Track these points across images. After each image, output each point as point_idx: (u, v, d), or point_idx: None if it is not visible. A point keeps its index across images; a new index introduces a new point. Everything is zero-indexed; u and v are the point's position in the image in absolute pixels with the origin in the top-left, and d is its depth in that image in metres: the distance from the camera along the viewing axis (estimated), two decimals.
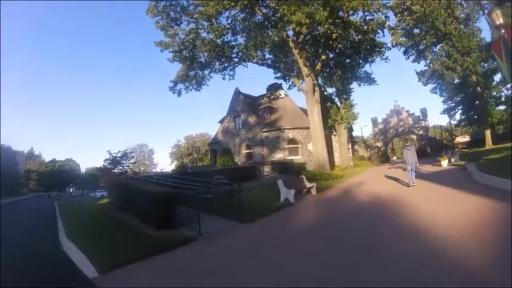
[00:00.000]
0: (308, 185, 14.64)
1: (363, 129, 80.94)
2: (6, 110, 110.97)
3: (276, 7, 20.50)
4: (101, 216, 14.40)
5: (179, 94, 26.29)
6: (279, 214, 10.68)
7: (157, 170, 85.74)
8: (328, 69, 30.68)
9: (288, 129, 30.34)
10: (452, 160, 22.97)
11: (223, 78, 26.98)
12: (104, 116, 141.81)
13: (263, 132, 31.36)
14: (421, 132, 46.83)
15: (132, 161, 44.89)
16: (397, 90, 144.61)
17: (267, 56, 27.23)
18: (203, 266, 5.89)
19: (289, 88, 29.65)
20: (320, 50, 25.22)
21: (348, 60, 29.28)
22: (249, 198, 13.45)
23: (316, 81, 24.74)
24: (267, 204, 11.90)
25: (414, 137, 49.19)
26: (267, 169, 24.16)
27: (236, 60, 26.14)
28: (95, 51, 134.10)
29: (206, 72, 26.39)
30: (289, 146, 30.46)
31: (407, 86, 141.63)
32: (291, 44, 23.19)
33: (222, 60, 25.96)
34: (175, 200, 9.20)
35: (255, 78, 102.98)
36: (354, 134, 47.88)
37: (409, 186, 12.73)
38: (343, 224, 8.10)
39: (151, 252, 6.84)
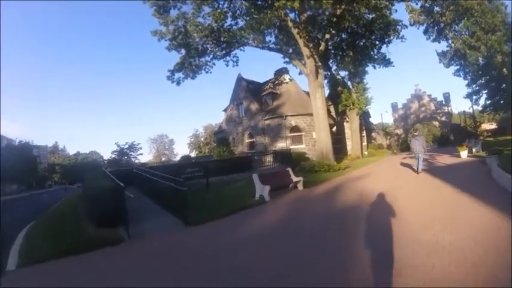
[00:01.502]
0: (294, 179, 13.09)
1: (383, 115, 77.26)
2: (31, 105, 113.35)
3: None
4: (65, 210, 13.87)
5: (178, 83, 24.97)
6: (240, 215, 9.30)
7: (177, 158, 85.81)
8: (340, 52, 28.78)
9: (290, 116, 28.15)
10: (474, 150, 20.67)
11: (227, 65, 25.58)
12: (127, 108, 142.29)
13: (265, 119, 29.43)
14: (443, 118, 43.57)
15: (140, 152, 45.06)
16: (419, 73, 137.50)
17: (268, 38, 25.47)
18: (95, 274, 5.53)
19: (300, 73, 27.61)
20: (324, 30, 23.27)
21: (361, 41, 27.38)
22: (222, 193, 12.69)
23: (320, 63, 22.69)
24: (236, 202, 10.78)
25: (436, 123, 45.93)
26: (267, 159, 22.57)
27: (236, 44, 24.37)
28: (110, 44, 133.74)
29: (206, 59, 25.00)
30: (292, 134, 28.39)
31: (430, 69, 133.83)
32: (290, 24, 21.42)
33: (221, 45, 24.41)
34: (118, 196, 8.16)
35: (267, 65, 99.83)
36: (374, 120, 45.27)
37: (417, 173, 13.61)
38: (301, 233, 6.64)
39: (71, 251, 6.64)
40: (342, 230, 6.36)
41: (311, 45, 22.03)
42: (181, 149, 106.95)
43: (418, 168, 13.72)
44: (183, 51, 23.94)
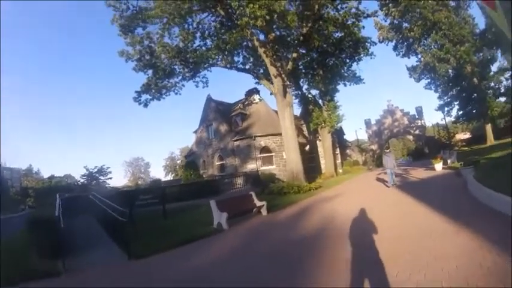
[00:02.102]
0: (258, 203, 12.35)
1: (357, 131, 77.99)
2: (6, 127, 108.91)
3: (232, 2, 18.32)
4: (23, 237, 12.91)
5: (146, 105, 23.95)
6: (193, 246, 8.58)
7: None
8: (310, 70, 28.85)
9: (259, 136, 27.35)
10: (449, 162, 20.29)
11: (196, 86, 24.92)
12: (103, 129, 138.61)
13: (234, 141, 28.61)
14: (417, 131, 44.08)
15: (109, 176, 43.67)
16: (391, 88, 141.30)
17: (237, 59, 25.13)
18: None
19: (271, 93, 27.08)
20: (292, 49, 23.16)
21: (331, 60, 27.39)
22: (179, 221, 12.17)
23: (288, 82, 22.38)
24: (191, 231, 10.12)
25: (410, 137, 46.34)
26: (236, 181, 21.68)
27: (204, 65, 23.66)
28: (84, 63, 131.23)
29: (174, 80, 24.22)
30: (262, 155, 27.58)
31: (401, 84, 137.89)
32: (256, 43, 21.18)
33: (189, 66, 23.67)
34: (49, 227, 8.26)
35: (240, 85, 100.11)
36: (349, 137, 45.05)
37: (388, 187, 14.72)
38: (256, 264, 6.02)
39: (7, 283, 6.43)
40: (300, 259, 5.78)
41: (278, 64, 21.70)
42: (158, 172, 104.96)
43: (390, 182, 14.99)
44: (149, 72, 23.21)
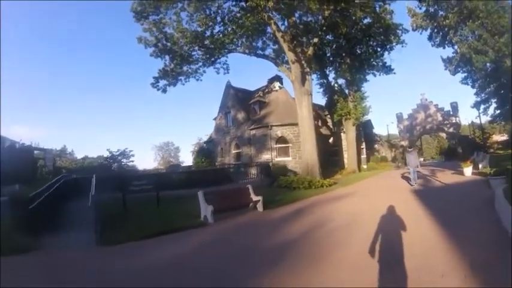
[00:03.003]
0: (254, 198, 11.44)
1: (389, 126, 74.49)
2: (40, 108, 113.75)
3: None
4: None
5: (164, 91, 23.78)
6: (167, 238, 8.19)
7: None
8: (338, 58, 27.69)
9: (276, 126, 26.11)
10: (480, 166, 17.79)
11: (217, 72, 24.48)
12: (137, 113, 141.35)
13: (250, 129, 27.67)
14: (451, 129, 40.74)
15: (132, 159, 44.60)
16: (426, 82, 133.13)
17: (256, 44, 24.24)
18: None
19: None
20: (313, 34, 22.04)
21: (360, 47, 26.26)
22: (170, 210, 11.69)
23: (308, 69, 21.33)
24: (174, 222, 9.69)
25: (443, 135, 43.24)
26: (250, 172, 21.15)
27: (223, 51, 23.07)
28: (114, 48, 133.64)
29: (194, 66, 23.85)
30: (278, 145, 26.39)
31: (437, 78, 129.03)
32: (273, 27, 20.29)
33: (208, 52, 23.20)
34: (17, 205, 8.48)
35: (263, 73, 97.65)
36: (381, 131, 42.98)
37: (412, 185, 14.50)
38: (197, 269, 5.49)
39: None
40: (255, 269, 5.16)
41: (299, 50, 20.72)
42: (187, 157, 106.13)
43: (413, 181, 14.81)
44: (167, 58, 22.97)
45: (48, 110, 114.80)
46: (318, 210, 10.49)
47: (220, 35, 21.85)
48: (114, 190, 12.78)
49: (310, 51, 20.95)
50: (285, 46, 20.09)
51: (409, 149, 17.79)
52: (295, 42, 20.71)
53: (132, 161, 43.95)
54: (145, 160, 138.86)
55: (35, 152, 44.43)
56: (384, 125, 79.39)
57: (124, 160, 43.01)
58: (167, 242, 7.77)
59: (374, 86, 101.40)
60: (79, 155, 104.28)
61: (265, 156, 25.76)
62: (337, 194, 14.60)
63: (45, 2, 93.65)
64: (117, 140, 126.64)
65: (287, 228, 8.29)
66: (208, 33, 22.10)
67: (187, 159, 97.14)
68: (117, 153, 42.25)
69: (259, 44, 24.36)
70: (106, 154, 45.83)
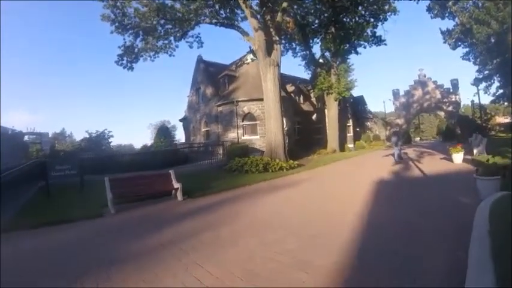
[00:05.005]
0: (175, 185, 9.94)
1: (386, 103, 71.75)
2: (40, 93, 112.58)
3: None
4: None
5: (130, 68, 21.66)
6: (50, 229, 7.26)
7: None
8: (323, 29, 25.75)
9: (242, 101, 24.03)
10: (475, 151, 15.29)
11: (190, 47, 22.28)
12: (133, 92, 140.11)
13: (217, 106, 25.67)
14: (450, 108, 37.81)
15: (110, 140, 44.51)
16: (425, 57, 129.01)
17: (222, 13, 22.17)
18: None
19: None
20: None
21: (348, 17, 24.61)
22: (86, 196, 10.94)
23: (277, 37, 19.18)
24: (75, 211, 8.73)
25: (442, 114, 40.36)
26: (216, 151, 19.60)
27: (191, 22, 20.77)
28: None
29: (163, 41, 21.52)
30: (245, 122, 24.44)
31: (437, 53, 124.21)
32: None
33: (176, 24, 20.84)
34: None
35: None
36: (376, 109, 40.63)
37: (396, 162, 15.60)
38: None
39: None
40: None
41: (268, 17, 18.99)
42: (182, 135, 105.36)
43: (396, 157, 16.63)
44: (129, 33, 20.74)
45: (49, 95, 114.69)
46: (239, 204, 8.68)
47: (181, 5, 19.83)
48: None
49: (278, 17, 18.86)
50: (247, 12, 18.09)
51: (395, 130, 18.21)
52: (264, 8, 18.98)
53: (111, 142, 44.35)
54: (143, 139, 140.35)
55: (31, 136, 43.80)
56: (381, 102, 76.85)
57: (102, 142, 43.43)
58: (46, 234, 6.91)
59: (368, 60, 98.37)
60: (78, 137, 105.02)
61: (231, 135, 23.99)
62: (289, 180, 12.87)
63: None
64: (118, 121, 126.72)
65: (181, 226, 6.68)
66: (169, 3, 19.93)
67: (182, 137, 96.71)
68: (95, 134, 42.55)
69: (228, 12, 22.05)
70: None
